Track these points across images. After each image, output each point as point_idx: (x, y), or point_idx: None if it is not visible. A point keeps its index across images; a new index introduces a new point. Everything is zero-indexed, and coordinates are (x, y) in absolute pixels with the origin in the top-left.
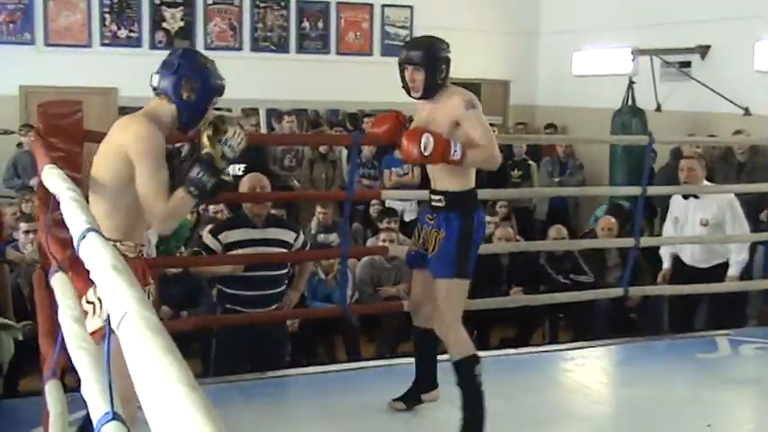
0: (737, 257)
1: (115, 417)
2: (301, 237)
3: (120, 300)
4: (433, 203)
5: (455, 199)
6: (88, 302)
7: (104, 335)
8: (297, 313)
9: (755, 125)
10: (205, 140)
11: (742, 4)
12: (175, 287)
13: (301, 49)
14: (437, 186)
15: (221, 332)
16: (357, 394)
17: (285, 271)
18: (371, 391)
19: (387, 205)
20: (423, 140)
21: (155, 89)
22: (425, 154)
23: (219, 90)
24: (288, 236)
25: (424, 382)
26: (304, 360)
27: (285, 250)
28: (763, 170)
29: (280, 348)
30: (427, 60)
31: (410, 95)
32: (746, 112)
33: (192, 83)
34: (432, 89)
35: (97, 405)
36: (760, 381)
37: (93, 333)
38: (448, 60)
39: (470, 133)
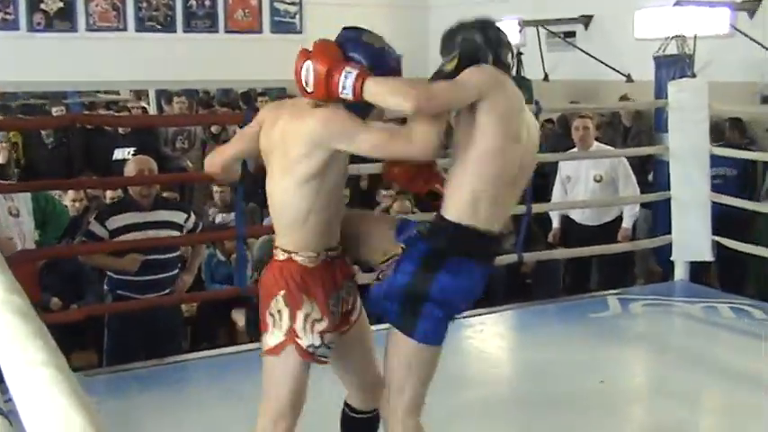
0: (630, 212)
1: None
2: (192, 217)
3: None
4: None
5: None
6: (270, 315)
7: (284, 349)
8: (192, 297)
9: (638, 91)
10: None
11: None
12: (56, 275)
13: (188, 27)
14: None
15: (113, 320)
16: (260, 374)
17: (177, 254)
18: None
19: None
20: (302, 72)
21: None
22: (308, 90)
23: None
24: (178, 217)
25: None
26: (203, 344)
27: (176, 232)
28: (646, 133)
29: (175, 333)
30: None
31: None
32: (629, 78)
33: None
34: None
35: None
36: (648, 336)
37: (271, 349)
38: None
39: None
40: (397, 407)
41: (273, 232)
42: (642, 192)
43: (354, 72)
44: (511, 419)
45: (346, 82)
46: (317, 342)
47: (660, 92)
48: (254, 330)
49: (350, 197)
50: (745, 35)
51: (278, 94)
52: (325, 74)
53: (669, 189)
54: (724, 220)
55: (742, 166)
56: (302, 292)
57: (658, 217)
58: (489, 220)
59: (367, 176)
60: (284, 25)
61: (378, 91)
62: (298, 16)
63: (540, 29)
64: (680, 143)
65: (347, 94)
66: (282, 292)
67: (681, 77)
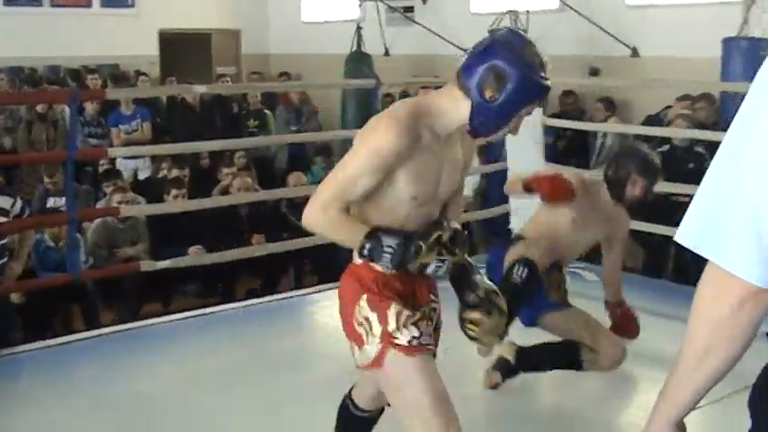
0: (471, 181)
1: None
2: (18, 202)
3: None
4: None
5: None
6: (359, 325)
7: (385, 358)
8: (21, 285)
9: None
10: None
11: None
12: None
13: (10, 1)
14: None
15: None
16: (99, 363)
17: (5, 241)
18: (114, 358)
19: (118, 165)
20: None
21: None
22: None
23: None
24: (4, 202)
25: None
26: (37, 334)
27: (2, 218)
28: None
29: (5, 325)
30: None
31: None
32: (466, 53)
33: (497, 83)
34: None
35: None
36: None
37: (375, 361)
38: None
39: None
40: None
41: (108, 215)
42: None
43: None
44: None
45: None
46: (416, 333)
47: None
48: (91, 318)
49: (190, 176)
50: (575, 10)
51: (110, 71)
52: None
53: (503, 160)
54: None
55: (554, 135)
56: (385, 293)
57: (492, 188)
58: None
59: (208, 155)
60: (114, 0)
61: None
62: None
63: (380, 4)
64: None
65: None
66: (365, 296)
67: None
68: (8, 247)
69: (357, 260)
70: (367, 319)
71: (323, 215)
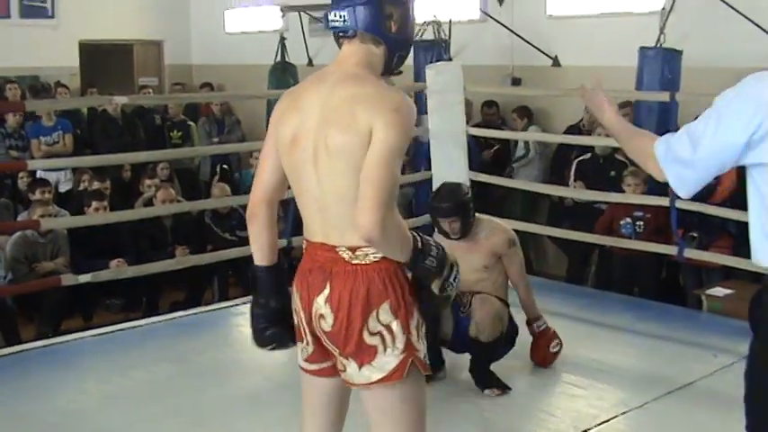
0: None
1: None
2: None
3: None
4: None
5: None
6: (373, 335)
7: (406, 368)
8: None
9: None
10: None
11: None
12: None
13: None
14: None
15: None
16: (20, 380)
17: None
18: (36, 375)
19: (38, 176)
20: None
21: (343, 32)
22: None
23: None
24: None
25: None
26: None
27: None
28: None
29: None
30: (461, 208)
31: (450, 239)
32: None
33: (396, 8)
34: (467, 230)
35: None
36: None
37: (393, 373)
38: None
39: (509, 268)
40: None
41: (28, 228)
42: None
43: None
44: (284, 405)
45: None
46: (425, 347)
47: (419, 75)
48: (11, 334)
49: (112, 188)
50: (496, 21)
51: (31, 82)
52: None
53: (429, 169)
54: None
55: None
56: (408, 298)
57: (419, 196)
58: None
59: (130, 167)
60: (34, 10)
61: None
62: (49, 1)
63: (303, 14)
64: (439, 125)
65: None
66: (388, 301)
67: (438, 61)
68: None
69: (372, 255)
70: (389, 327)
71: (393, 220)
